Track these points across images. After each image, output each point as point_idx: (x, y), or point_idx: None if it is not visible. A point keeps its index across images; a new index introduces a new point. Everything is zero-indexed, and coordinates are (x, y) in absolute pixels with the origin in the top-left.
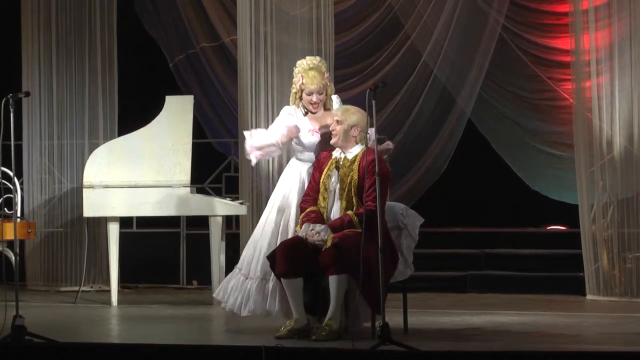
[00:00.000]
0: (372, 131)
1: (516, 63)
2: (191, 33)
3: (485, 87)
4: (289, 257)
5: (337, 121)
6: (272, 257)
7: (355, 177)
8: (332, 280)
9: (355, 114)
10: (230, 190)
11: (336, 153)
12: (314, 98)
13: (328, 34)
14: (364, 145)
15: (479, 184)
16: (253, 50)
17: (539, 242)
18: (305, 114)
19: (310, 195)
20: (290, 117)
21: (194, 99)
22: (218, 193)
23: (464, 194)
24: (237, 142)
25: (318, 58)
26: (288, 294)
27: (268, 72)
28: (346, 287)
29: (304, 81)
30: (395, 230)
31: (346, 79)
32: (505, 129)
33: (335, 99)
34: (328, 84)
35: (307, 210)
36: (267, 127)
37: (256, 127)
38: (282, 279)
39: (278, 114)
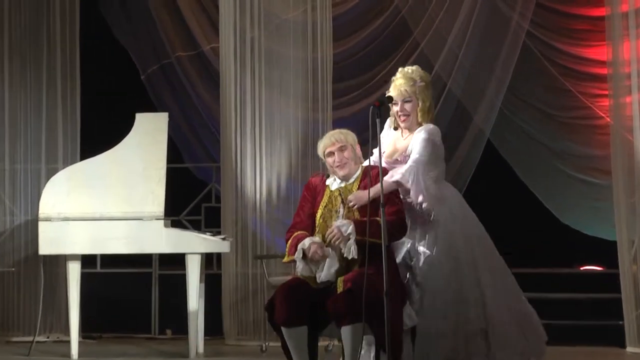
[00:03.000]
0: (375, 152)
1: (543, 75)
2: (166, 40)
3: (507, 103)
4: (291, 302)
5: (341, 148)
6: (270, 305)
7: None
8: (346, 331)
9: (349, 133)
10: (210, 223)
11: (333, 183)
12: (397, 108)
13: (325, 40)
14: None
15: (500, 216)
16: (238, 59)
17: (570, 285)
18: (396, 128)
19: (298, 227)
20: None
21: (169, 116)
22: (197, 227)
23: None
24: (219, 167)
25: (415, 67)
26: (290, 346)
27: (255, 86)
28: (363, 337)
29: (390, 91)
30: (402, 268)
31: (346, 93)
32: (530, 152)
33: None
34: (419, 93)
35: (295, 234)
36: (253, 150)
37: (241, 150)
38: (283, 328)
39: (266, 134)
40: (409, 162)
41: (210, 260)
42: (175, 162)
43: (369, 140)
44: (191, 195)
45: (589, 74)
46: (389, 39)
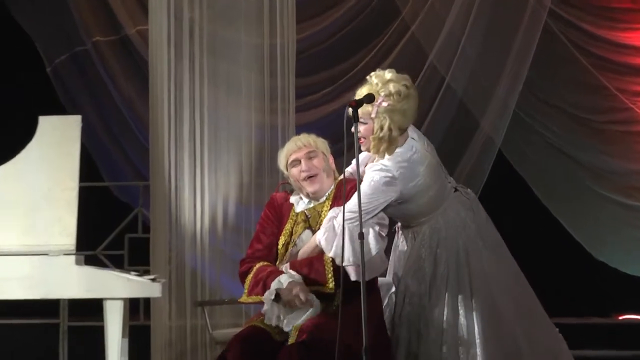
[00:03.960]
0: (353, 163)
1: (570, 68)
2: (80, 22)
3: (523, 104)
4: (248, 354)
5: (309, 154)
6: (222, 358)
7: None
8: None
9: (318, 138)
10: (136, 259)
11: (300, 203)
12: (361, 129)
13: (286, 23)
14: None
15: (515, 249)
16: (172, 47)
17: (606, 338)
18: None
19: (258, 257)
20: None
21: (83, 120)
22: (118, 264)
23: None
24: (148, 186)
25: (389, 77)
26: None
27: (195, 81)
28: None
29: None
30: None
31: (313, 90)
32: (553, 167)
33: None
34: (378, 115)
35: (256, 268)
36: (192, 165)
37: (177, 164)
38: None
39: (210, 144)
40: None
41: (136, 308)
42: (91, 179)
43: (343, 152)
44: (111, 223)
45: (629, 66)
46: (369, 21)
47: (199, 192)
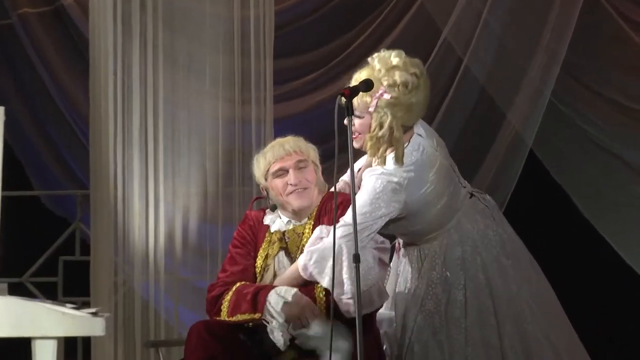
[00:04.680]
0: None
1: (619, 46)
2: None
3: (561, 92)
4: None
5: (299, 164)
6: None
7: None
8: None
9: (308, 144)
10: (73, 288)
11: (276, 222)
12: (355, 122)
13: None
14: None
15: (549, 271)
16: (119, 19)
17: None
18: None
19: (233, 281)
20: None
21: (7, 112)
22: (51, 294)
23: None
24: (88, 196)
25: (395, 62)
26: None
27: (147, 62)
28: None
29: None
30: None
31: (295, 75)
32: (598, 170)
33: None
34: (379, 110)
35: (237, 286)
36: (143, 169)
37: (124, 168)
38: None
39: (166, 143)
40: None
41: (73, 349)
42: (17, 187)
43: (333, 155)
44: (42, 242)
45: None
46: None
47: (152, 204)
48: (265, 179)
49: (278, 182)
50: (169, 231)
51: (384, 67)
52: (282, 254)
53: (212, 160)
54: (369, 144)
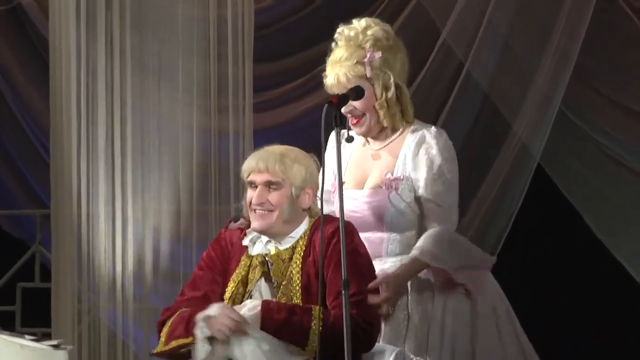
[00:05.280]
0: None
1: (637, 48)
2: None
3: (572, 100)
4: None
5: (269, 184)
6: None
7: (298, 273)
8: None
9: (300, 163)
10: (33, 317)
11: (257, 244)
12: (343, 107)
13: None
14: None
15: (560, 298)
16: (82, 20)
17: None
18: (351, 138)
19: (187, 307)
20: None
21: None
22: (8, 324)
23: (536, 310)
24: (49, 215)
25: (365, 23)
26: None
27: (114, 67)
28: None
29: (325, 75)
30: None
31: (277, 82)
32: (612, 186)
33: (423, 129)
34: (375, 72)
35: (180, 311)
36: (110, 185)
37: (89, 185)
38: None
39: (134, 156)
40: (436, 223)
41: None
42: None
43: (321, 166)
44: None
45: None
46: None
47: (119, 224)
48: (246, 182)
49: (248, 194)
50: (138, 254)
51: (356, 31)
52: (262, 280)
53: (185, 175)
54: (381, 112)
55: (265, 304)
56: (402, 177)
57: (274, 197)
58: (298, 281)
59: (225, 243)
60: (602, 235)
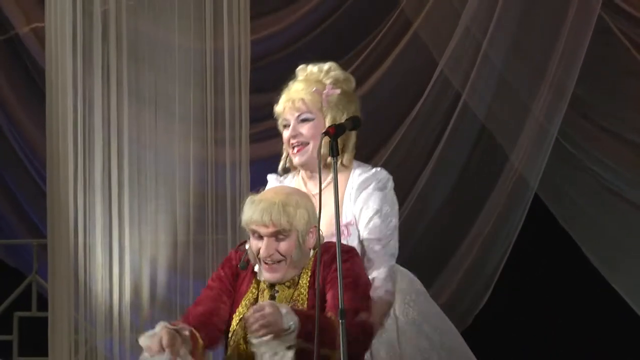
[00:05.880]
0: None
1: (634, 81)
2: None
3: (569, 131)
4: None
5: (277, 234)
6: None
7: (305, 297)
8: None
9: (301, 207)
10: (30, 347)
11: (261, 271)
12: (289, 131)
13: (237, 19)
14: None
15: (559, 318)
16: (79, 51)
17: None
18: (288, 170)
19: (193, 317)
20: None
21: None
22: (5, 353)
23: (534, 338)
24: (46, 245)
25: (328, 65)
26: None
27: (111, 99)
28: None
29: (277, 104)
30: None
31: (272, 114)
32: (610, 218)
33: (359, 170)
34: (329, 106)
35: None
36: (107, 216)
37: (86, 215)
38: None
39: (131, 187)
40: (382, 257)
41: None
42: None
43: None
44: None
45: None
46: (354, 15)
47: (116, 254)
48: (248, 230)
49: (253, 243)
50: (135, 284)
51: (319, 69)
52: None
53: (182, 206)
54: (324, 143)
55: (296, 309)
56: (352, 222)
57: (282, 247)
58: (305, 298)
59: (236, 263)
60: (599, 265)
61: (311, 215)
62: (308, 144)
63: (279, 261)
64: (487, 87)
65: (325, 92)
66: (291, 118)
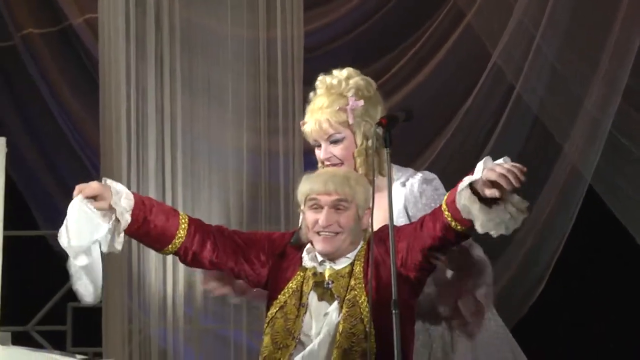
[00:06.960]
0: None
1: None
2: (5, 9)
3: (622, 124)
4: None
5: (338, 204)
6: None
7: (362, 290)
8: None
9: (361, 184)
10: (83, 337)
11: (309, 257)
12: (321, 153)
13: (290, 9)
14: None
15: (611, 313)
16: (132, 42)
17: None
18: None
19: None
20: None
21: (9, 143)
22: (59, 343)
23: (585, 332)
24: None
25: (346, 73)
26: None
27: (164, 89)
28: None
29: (304, 122)
30: None
31: None
32: None
33: (400, 172)
34: (363, 121)
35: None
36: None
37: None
38: None
39: (184, 177)
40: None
41: None
42: (21, 226)
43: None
44: (49, 286)
45: None
46: (407, 7)
47: None
48: (304, 204)
49: (309, 216)
50: (188, 274)
51: (339, 80)
52: (312, 294)
53: (235, 195)
54: (358, 160)
55: None
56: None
57: (342, 218)
58: (365, 301)
59: (284, 243)
60: None
61: (368, 196)
62: (342, 163)
63: (337, 233)
64: (540, 79)
65: (349, 107)
66: (321, 140)
